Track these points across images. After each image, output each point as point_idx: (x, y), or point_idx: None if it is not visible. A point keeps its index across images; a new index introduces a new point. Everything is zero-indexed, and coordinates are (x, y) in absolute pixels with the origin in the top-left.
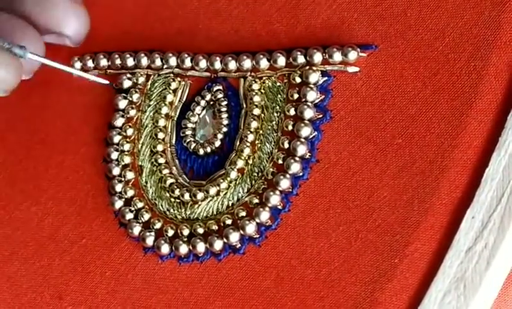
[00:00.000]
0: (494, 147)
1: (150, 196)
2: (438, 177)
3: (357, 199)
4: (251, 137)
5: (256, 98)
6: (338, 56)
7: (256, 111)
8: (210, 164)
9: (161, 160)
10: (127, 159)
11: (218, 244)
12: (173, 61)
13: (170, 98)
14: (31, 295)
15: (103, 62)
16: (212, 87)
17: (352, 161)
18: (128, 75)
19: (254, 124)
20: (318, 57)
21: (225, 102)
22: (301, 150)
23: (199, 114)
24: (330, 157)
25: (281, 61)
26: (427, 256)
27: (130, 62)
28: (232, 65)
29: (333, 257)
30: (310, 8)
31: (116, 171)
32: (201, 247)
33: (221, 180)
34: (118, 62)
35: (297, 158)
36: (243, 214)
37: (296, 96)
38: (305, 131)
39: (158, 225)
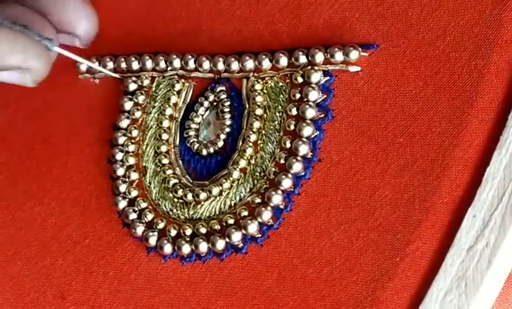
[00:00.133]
0: (495, 146)
1: (154, 197)
2: (439, 176)
3: (359, 198)
4: (253, 137)
5: (259, 99)
6: (339, 56)
7: (259, 111)
8: (213, 164)
9: (165, 161)
10: (131, 160)
11: (220, 244)
12: (177, 63)
13: (174, 99)
14: (33, 295)
15: (110, 65)
16: (215, 88)
17: (353, 160)
18: (134, 78)
19: (256, 124)
20: (319, 57)
21: (228, 103)
22: (303, 149)
23: (202, 115)
24: (332, 156)
25: (283, 61)
26: (428, 255)
27: (135, 65)
28: (235, 65)
29: (335, 256)
30: (312, 8)
31: (120, 172)
32: (203, 247)
33: (224, 180)
34: (123, 65)
35: (299, 158)
36: (245, 213)
37: (298, 96)
38: (307, 131)
39: (161, 225)
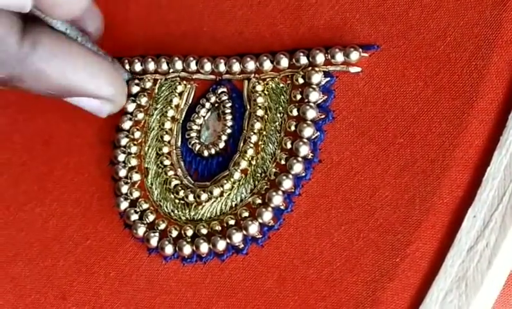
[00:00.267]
0: (495, 146)
1: (155, 198)
2: (439, 177)
3: (359, 198)
4: (254, 138)
5: (260, 100)
6: (340, 57)
7: (260, 112)
8: (214, 165)
9: (167, 162)
10: (133, 162)
11: (221, 245)
12: (179, 65)
13: (176, 101)
14: (35, 296)
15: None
16: (217, 90)
17: (354, 161)
18: (136, 81)
19: (257, 125)
20: (320, 58)
21: (229, 104)
22: (304, 150)
23: (204, 117)
24: (332, 157)
25: (284, 62)
26: (428, 255)
27: (137, 67)
28: (236, 67)
29: (335, 256)
30: (313, 9)
31: (122, 173)
32: (204, 248)
33: (225, 181)
34: (126, 67)
35: (300, 159)
36: (246, 214)
37: (299, 96)
38: (308, 132)
39: (162, 226)
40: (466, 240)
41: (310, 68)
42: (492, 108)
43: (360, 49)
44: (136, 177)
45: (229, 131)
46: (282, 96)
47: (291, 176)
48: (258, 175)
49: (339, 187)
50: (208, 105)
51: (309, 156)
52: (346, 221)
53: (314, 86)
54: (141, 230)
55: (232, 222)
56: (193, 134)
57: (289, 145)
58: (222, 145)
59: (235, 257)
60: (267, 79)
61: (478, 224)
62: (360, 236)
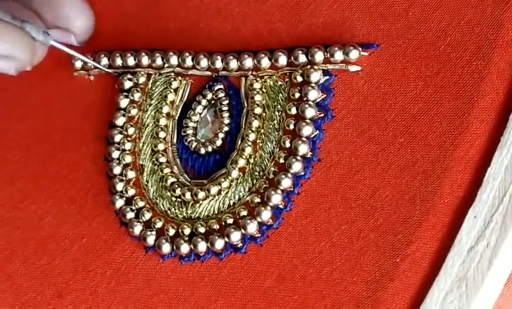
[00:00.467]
0: (496, 147)
1: (151, 195)
2: (440, 177)
3: (359, 198)
4: (252, 136)
5: (258, 97)
6: (339, 56)
7: (258, 110)
8: (211, 163)
9: (162, 159)
10: (128, 159)
11: (219, 244)
12: (174, 60)
13: (171, 97)
14: (31, 294)
15: (104, 61)
16: (213, 86)
17: (353, 160)
18: (129, 76)
19: (255, 123)
20: (319, 56)
21: (226, 101)
22: (303, 149)
23: (200, 114)
24: (331, 156)
25: (282, 60)
26: (429, 255)
27: (131, 61)
28: (233, 64)
29: (335, 256)
30: (311, 6)
31: (117, 170)
32: (202, 246)
33: (222, 179)
34: (118, 61)
35: (299, 157)
36: (244, 213)
37: (297, 95)
38: (307, 130)
39: (159, 224)
40: (466, 240)
41: (309, 66)
42: (493, 108)
43: (360, 48)
44: (131, 174)
45: (226, 128)
46: (280, 94)
47: (290, 175)
48: (257, 173)
49: (338, 186)
50: (204, 102)
51: (308, 155)
52: (346, 221)
53: (313, 85)
54: (137, 229)
55: (230, 221)
56: (190, 131)
57: (287, 144)
58: (219, 142)
59: (233, 256)
60: (265, 77)
61: (479, 225)
62: (360, 236)
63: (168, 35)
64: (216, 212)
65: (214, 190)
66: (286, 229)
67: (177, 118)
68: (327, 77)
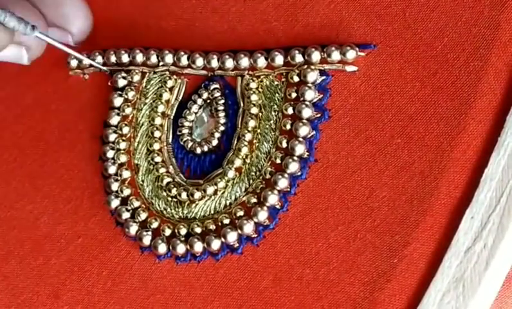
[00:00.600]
0: (493, 147)
1: (147, 195)
2: (437, 177)
3: (356, 199)
4: (248, 136)
5: (254, 97)
6: (336, 56)
7: (254, 110)
8: (207, 163)
9: (158, 159)
10: (123, 158)
11: (216, 244)
12: (169, 58)
13: (166, 96)
14: (27, 295)
15: (98, 59)
16: (209, 86)
17: (350, 160)
18: (123, 74)
19: (252, 123)
20: (316, 56)
21: (222, 101)
22: (300, 149)
23: (195, 113)
24: (328, 156)
25: (279, 60)
26: (426, 256)
27: (125, 58)
28: (229, 63)
29: (332, 257)
30: (308, 6)
31: (112, 170)
32: (198, 247)
33: (219, 179)
34: (112, 58)
35: (295, 158)
36: (241, 213)
37: (294, 95)
38: (304, 130)
39: (155, 225)
40: (463, 241)
41: (306, 66)
42: (490, 109)
43: (357, 48)
44: (126, 174)
45: (222, 128)
46: (277, 94)
47: (286, 175)
48: (253, 174)
49: (335, 187)
50: (200, 101)
51: (305, 155)
52: (343, 222)
53: (309, 84)
54: (133, 229)
55: (227, 221)
56: (185, 131)
57: (284, 144)
58: (215, 142)
59: (229, 257)
60: (262, 76)
61: (476, 226)
62: (357, 237)
63: (164, 34)
64: (212, 212)
65: (210, 190)
66: (283, 229)
67: (172, 117)
68: (323, 77)
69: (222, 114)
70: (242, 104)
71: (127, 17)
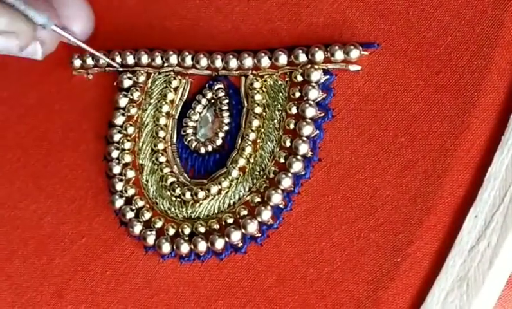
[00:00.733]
0: (497, 146)
1: (151, 195)
2: (441, 176)
3: (360, 198)
4: (252, 135)
5: (258, 97)
6: (339, 55)
7: (258, 110)
8: (211, 163)
9: (162, 159)
10: (127, 158)
11: (219, 243)
12: (174, 59)
13: (170, 96)
14: (31, 294)
15: (103, 60)
16: (213, 86)
17: (354, 159)
18: (129, 75)
19: (255, 122)
20: (319, 55)
21: (226, 101)
22: (303, 149)
23: (200, 113)
24: (332, 156)
25: (282, 59)
26: (430, 255)
27: (130, 59)
28: (233, 63)
29: (335, 256)
30: (312, 5)
31: (116, 170)
32: (202, 246)
33: (222, 179)
34: (118, 59)
35: (299, 157)
36: (245, 212)
37: (298, 94)
38: (307, 130)
39: (159, 224)
40: (467, 240)
41: (309, 66)
42: (493, 108)
43: (360, 47)
44: (131, 173)
45: (226, 127)
46: (281, 94)
47: (290, 175)
48: (257, 173)
49: (339, 186)
50: (204, 101)
51: (309, 155)
52: (346, 221)
53: (313, 84)
54: (137, 229)
55: (231, 220)
56: (190, 131)
57: (288, 143)
58: (219, 142)
59: (233, 256)
60: (265, 76)
61: (480, 224)
62: (361, 236)
63: (168, 34)
64: (216, 211)
65: (214, 189)
66: (286, 229)
67: (176, 117)
68: (327, 76)
69: (226, 113)
70: (246, 104)
71: (131, 17)
